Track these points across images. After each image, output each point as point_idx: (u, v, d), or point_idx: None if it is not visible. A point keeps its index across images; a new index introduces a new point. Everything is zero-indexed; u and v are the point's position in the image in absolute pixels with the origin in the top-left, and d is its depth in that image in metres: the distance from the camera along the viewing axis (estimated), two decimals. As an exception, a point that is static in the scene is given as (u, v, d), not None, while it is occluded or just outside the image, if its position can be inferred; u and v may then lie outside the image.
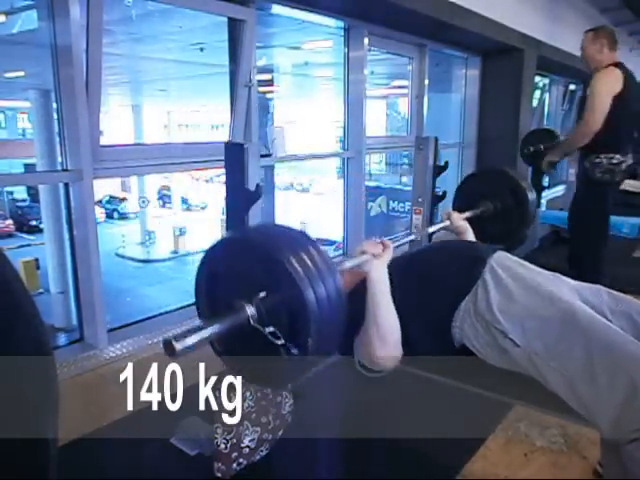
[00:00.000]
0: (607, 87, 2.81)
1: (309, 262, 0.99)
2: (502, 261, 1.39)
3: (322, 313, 0.98)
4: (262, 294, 1.00)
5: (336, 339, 1.08)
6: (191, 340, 0.95)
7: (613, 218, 4.82)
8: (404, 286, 1.46)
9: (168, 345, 0.93)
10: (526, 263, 1.44)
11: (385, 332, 1.35)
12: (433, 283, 1.44)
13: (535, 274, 1.38)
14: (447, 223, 1.94)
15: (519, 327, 1.23)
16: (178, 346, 0.92)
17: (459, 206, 2.12)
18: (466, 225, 1.93)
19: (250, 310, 1.00)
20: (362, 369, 1.43)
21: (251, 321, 1.00)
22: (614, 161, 2.80)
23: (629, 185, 6.48)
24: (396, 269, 1.54)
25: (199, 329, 0.98)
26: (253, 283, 1.03)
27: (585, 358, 1.12)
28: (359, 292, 1.40)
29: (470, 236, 1.91)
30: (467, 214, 2.04)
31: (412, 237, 2.04)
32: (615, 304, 1.32)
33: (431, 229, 2.00)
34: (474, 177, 2.46)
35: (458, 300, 1.35)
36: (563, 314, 1.21)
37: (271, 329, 1.00)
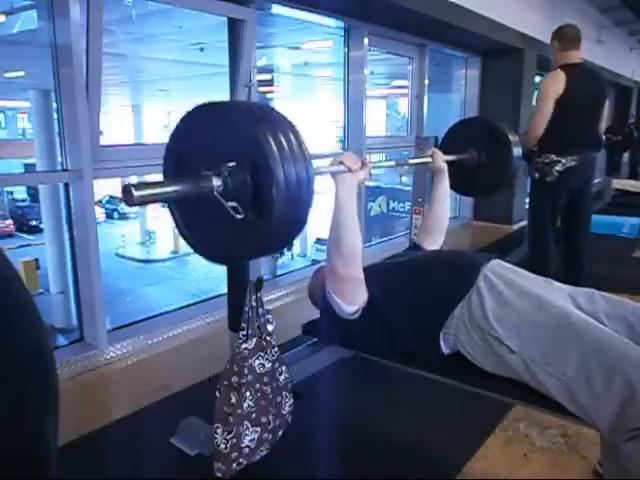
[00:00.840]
0: (548, 90, 2.82)
1: (284, 143, 1.00)
2: (496, 269, 1.39)
3: (289, 195, 0.98)
4: (231, 164, 1.00)
5: (300, 224, 1.08)
6: (149, 191, 0.95)
7: (613, 218, 4.86)
8: (397, 290, 1.47)
9: (127, 191, 0.93)
10: (519, 270, 1.44)
11: (346, 250, 1.38)
12: (426, 289, 1.44)
13: (528, 281, 1.38)
14: (429, 159, 1.98)
15: (515, 334, 1.23)
16: (136, 193, 0.92)
17: (444, 149, 2.14)
18: (445, 167, 1.97)
19: (216, 181, 1.01)
20: (337, 309, 1.46)
21: (215, 192, 1.01)
22: (547, 160, 2.83)
23: (629, 185, 6.50)
24: (390, 273, 1.55)
25: (161, 184, 1.00)
26: (224, 155, 1.02)
27: (581, 362, 1.13)
28: None
29: (444, 180, 1.96)
30: (450, 157, 2.07)
31: (414, 239, 2.05)
32: (609, 307, 1.32)
33: (412, 160, 2.05)
34: (464, 123, 2.45)
35: (452, 306, 1.35)
36: (557, 319, 1.21)
37: (233, 204, 1.00)
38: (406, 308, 1.43)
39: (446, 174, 1.97)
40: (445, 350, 1.37)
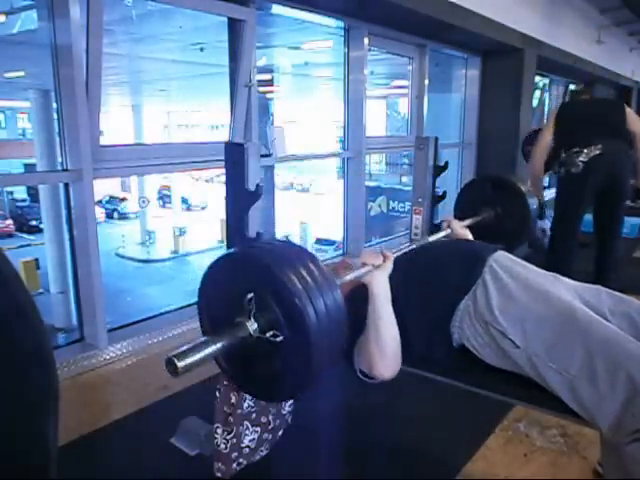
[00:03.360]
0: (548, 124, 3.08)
1: (308, 277, 1.00)
2: (502, 261, 1.39)
3: (321, 329, 0.98)
4: (250, 295, 1.00)
5: (337, 353, 1.08)
6: (193, 358, 0.94)
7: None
8: (405, 284, 1.45)
9: (171, 364, 0.91)
10: (526, 263, 1.43)
11: (385, 345, 1.33)
12: (433, 282, 1.44)
13: (535, 274, 1.38)
14: (448, 231, 1.93)
15: (519, 328, 1.23)
16: (180, 364, 0.91)
17: (459, 213, 2.13)
18: (467, 233, 1.93)
19: (250, 325, 1.01)
20: (362, 376, 1.42)
21: (252, 333, 1.01)
22: (570, 152, 2.84)
23: (629, 185, 6.49)
24: (397, 267, 1.54)
25: (201, 346, 0.97)
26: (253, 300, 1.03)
27: (585, 359, 1.12)
28: (358, 296, 1.39)
29: None
30: (468, 222, 2.05)
31: (413, 245, 2.04)
32: (615, 305, 1.32)
33: (431, 238, 2.00)
34: (473, 184, 2.46)
35: (458, 299, 1.35)
36: (562, 315, 1.21)
37: (272, 332, 1.00)
38: (414, 302, 1.42)
39: (470, 238, 1.92)
40: (453, 344, 1.36)
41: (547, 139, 2.98)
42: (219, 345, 0.98)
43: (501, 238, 2.19)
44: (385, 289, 1.37)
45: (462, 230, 1.93)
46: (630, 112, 2.87)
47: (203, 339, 1.00)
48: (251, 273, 1.04)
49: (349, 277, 1.32)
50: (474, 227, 2.07)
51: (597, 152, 2.75)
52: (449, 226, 1.93)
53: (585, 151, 2.76)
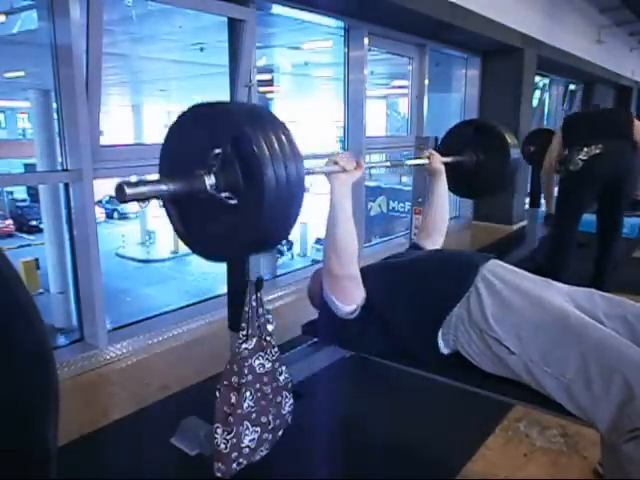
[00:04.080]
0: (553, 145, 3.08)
1: (275, 142, 1.02)
2: (494, 269, 1.39)
3: (279, 196, 1.01)
4: (217, 150, 1.02)
5: (289, 225, 1.11)
6: (142, 188, 0.97)
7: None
8: (396, 290, 1.47)
9: (120, 189, 0.95)
10: (518, 270, 1.43)
11: (341, 249, 1.39)
12: (424, 289, 1.44)
13: (527, 281, 1.38)
14: (426, 161, 1.96)
15: (514, 334, 1.23)
16: (128, 191, 0.95)
17: (443, 150, 2.12)
18: (442, 168, 1.96)
19: (208, 180, 1.03)
20: (332, 304, 1.46)
21: (208, 189, 1.03)
22: (571, 150, 2.87)
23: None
24: (389, 273, 1.55)
25: (154, 182, 1.01)
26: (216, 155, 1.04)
27: (580, 362, 1.13)
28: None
29: (442, 181, 1.95)
30: (448, 159, 2.06)
31: (414, 240, 2.04)
32: (609, 307, 1.32)
33: (409, 162, 2.04)
34: (463, 126, 2.43)
35: (448, 307, 1.35)
36: (556, 320, 1.21)
37: (226, 194, 1.02)
38: (405, 308, 1.43)
39: (444, 175, 1.96)
40: (445, 350, 1.37)
41: (556, 146, 3.02)
42: (170, 186, 1.02)
43: (480, 183, 2.24)
44: (347, 193, 1.42)
45: (438, 165, 1.96)
46: (637, 123, 2.87)
47: (157, 177, 1.04)
48: (223, 129, 1.05)
49: (317, 169, 1.36)
50: (455, 167, 2.09)
51: (597, 151, 2.75)
52: (429, 157, 1.96)
53: (585, 150, 2.77)
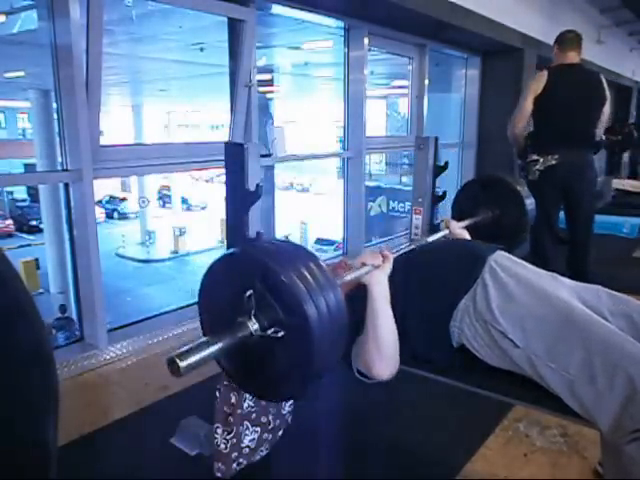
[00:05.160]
0: (529, 89, 2.95)
1: (308, 275, 1.00)
2: (501, 261, 1.39)
3: (322, 326, 0.98)
4: (249, 292, 1.00)
5: (338, 354, 1.08)
6: (195, 358, 0.93)
7: (613, 218, 4.85)
8: (404, 283, 1.46)
9: (172, 364, 0.91)
10: (525, 263, 1.44)
11: (383, 346, 1.33)
12: (433, 282, 1.44)
13: (534, 274, 1.38)
14: (446, 232, 1.94)
15: (519, 328, 1.23)
16: (182, 364, 0.91)
17: (457, 214, 2.13)
18: (465, 234, 1.94)
19: (252, 324, 1.01)
20: (360, 376, 1.41)
21: (253, 333, 1.01)
22: (528, 160, 2.90)
23: (629, 185, 6.50)
24: (396, 268, 1.54)
25: (203, 345, 0.96)
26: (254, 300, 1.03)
27: (584, 359, 1.12)
28: (357, 296, 1.39)
29: None
30: (466, 222, 2.05)
31: (412, 246, 2.04)
32: (614, 305, 1.32)
33: (430, 238, 2.01)
34: (471, 185, 2.46)
35: (457, 299, 1.35)
36: (562, 315, 1.21)
37: (272, 329, 1.00)
38: (413, 302, 1.42)
39: (468, 237, 1.93)
40: (453, 344, 1.37)
41: (527, 112, 2.93)
42: (220, 345, 0.98)
43: (501, 237, 2.22)
44: (384, 289, 1.36)
45: (460, 230, 1.94)
46: (606, 109, 2.90)
47: (204, 339, 0.99)
48: (250, 271, 1.04)
49: (349, 277, 1.32)
50: (474, 228, 2.08)
51: (553, 162, 2.82)
52: (447, 226, 1.93)
53: (541, 160, 2.84)
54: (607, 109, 2.92)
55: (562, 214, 3.12)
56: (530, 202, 2.22)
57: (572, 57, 2.95)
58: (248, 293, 1.00)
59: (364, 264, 1.37)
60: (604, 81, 2.91)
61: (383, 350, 1.33)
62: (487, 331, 1.28)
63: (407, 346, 1.40)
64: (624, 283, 2.95)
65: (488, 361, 1.30)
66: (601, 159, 6.09)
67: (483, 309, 1.29)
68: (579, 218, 3.02)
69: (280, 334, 1.00)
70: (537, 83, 2.92)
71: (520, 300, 1.27)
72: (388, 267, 1.40)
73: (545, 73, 2.92)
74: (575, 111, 2.87)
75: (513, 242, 2.32)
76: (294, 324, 0.99)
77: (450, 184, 4.32)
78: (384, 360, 1.34)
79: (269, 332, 1.00)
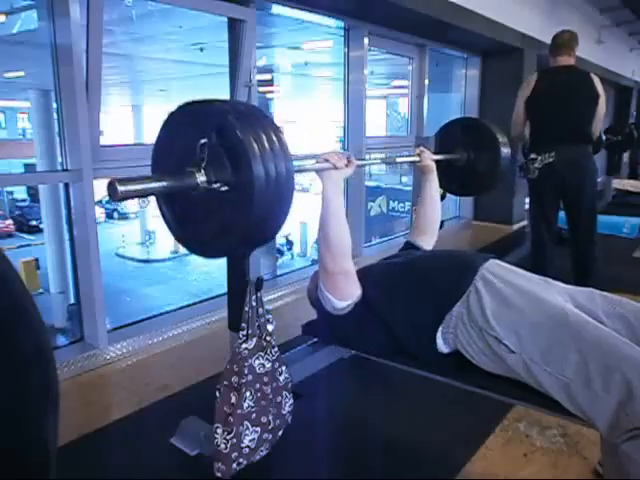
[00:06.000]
0: (519, 94, 3.09)
1: (265, 142, 1.03)
2: (493, 268, 1.39)
3: (268, 192, 1.02)
4: (203, 140, 1.03)
5: (280, 221, 1.12)
6: (134, 186, 0.98)
7: (614, 218, 4.85)
8: (395, 290, 1.47)
9: (112, 186, 0.95)
10: (517, 269, 1.43)
11: (333, 243, 1.43)
12: (424, 289, 1.44)
13: (526, 280, 1.38)
14: (417, 159, 1.97)
15: (513, 333, 1.23)
16: (121, 188, 0.95)
17: (435, 148, 2.15)
18: (433, 166, 1.96)
19: (200, 177, 1.04)
20: (328, 302, 1.48)
21: (199, 183, 1.04)
22: (527, 159, 2.93)
23: (629, 185, 6.50)
24: (388, 273, 1.55)
25: (146, 179, 1.01)
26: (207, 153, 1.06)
27: (579, 362, 1.13)
28: (351, 313, 1.47)
29: (434, 179, 1.96)
30: (438, 157, 2.06)
31: (407, 238, 2.04)
32: (610, 307, 1.32)
33: (399, 159, 2.06)
34: (454, 124, 2.44)
35: (447, 306, 1.35)
36: (556, 319, 1.21)
37: (218, 184, 1.04)
38: (404, 308, 1.43)
39: (434, 173, 1.96)
40: (445, 349, 1.37)
41: (521, 114, 3.05)
42: (163, 184, 1.03)
43: (471, 182, 2.28)
44: (338, 190, 1.46)
45: (429, 161, 1.96)
46: (601, 106, 2.90)
47: (149, 175, 1.05)
48: (209, 122, 1.06)
49: (308, 166, 1.40)
50: (447, 166, 2.11)
51: (550, 160, 2.83)
52: (419, 154, 1.97)
53: (539, 158, 2.87)
54: (602, 106, 2.91)
55: (561, 214, 3.12)
56: (507, 151, 2.21)
57: (563, 60, 2.98)
58: (202, 141, 1.03)
59: (327, 160, 1.45)
60: (595, 78, 2.92)
61: (333, 248, 1.43)
62: (482, 337, 1.28)
63: (397, 348, 1.42)
64: (624, 283, 2.96)
65: (484, 367, 1.30)
66: (601, 159, 6.09)
67: (477, 315, 1.29)
68: (581, 214, 2.99)
69: (224, 188, 1.03)
70: (527, 86, 3.02)
71: (514, 305, 1.27)
72: (348, 172, 1.50)
73: (534, 76, 3.02)
74: (566, 108, 2.88)
75: (482, 189, 2.36)
76: (240, 182, 1.02)
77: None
78: (334, 260, 1.44)
79: (215, 186, 1.03)
